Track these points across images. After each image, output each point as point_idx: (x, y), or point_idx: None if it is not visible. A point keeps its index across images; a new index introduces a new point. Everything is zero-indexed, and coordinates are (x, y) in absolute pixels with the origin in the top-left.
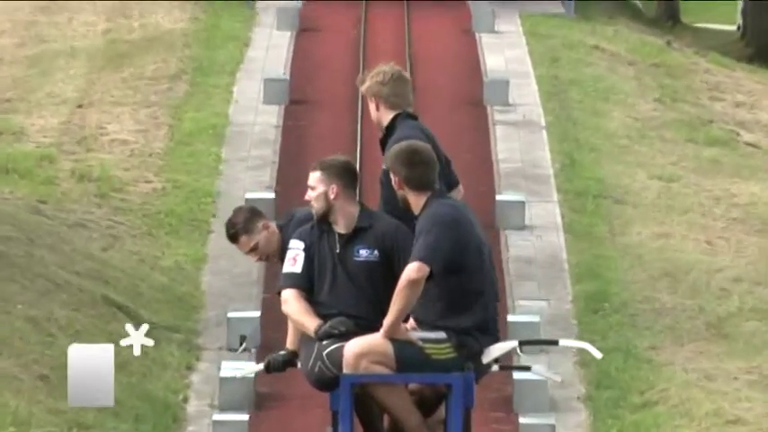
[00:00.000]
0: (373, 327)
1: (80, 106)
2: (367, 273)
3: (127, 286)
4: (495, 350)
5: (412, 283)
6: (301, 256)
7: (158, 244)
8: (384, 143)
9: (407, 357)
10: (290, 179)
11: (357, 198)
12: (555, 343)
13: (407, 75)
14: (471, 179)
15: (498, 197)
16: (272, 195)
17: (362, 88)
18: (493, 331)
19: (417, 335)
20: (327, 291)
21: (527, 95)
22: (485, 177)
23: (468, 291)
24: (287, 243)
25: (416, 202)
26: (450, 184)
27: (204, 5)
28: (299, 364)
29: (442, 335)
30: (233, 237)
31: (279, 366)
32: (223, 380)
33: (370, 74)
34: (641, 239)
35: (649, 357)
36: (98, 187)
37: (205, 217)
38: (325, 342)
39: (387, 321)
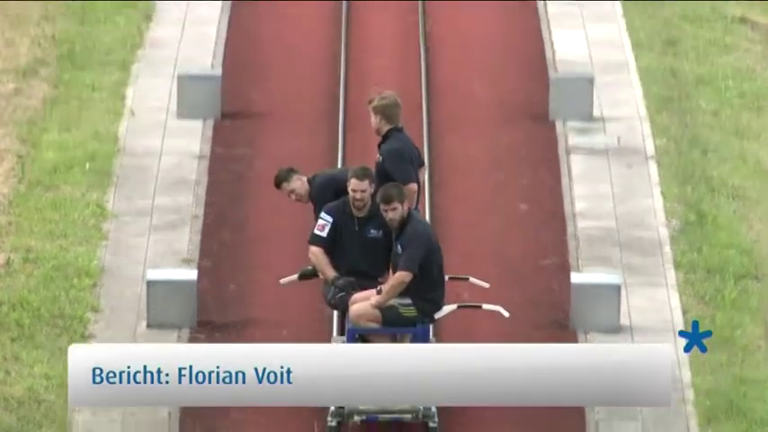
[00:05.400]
0: (372, 277)
1: None
2: (373, 245)
3: None
4: (443, 311)
5: (402, 283)
6: (329, 227)
7: None
8: (380, 146)
9: (388, 316)
10: (224, 247)
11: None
12: (479, 307)
13: (400, 101)
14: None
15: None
16: (192, 276)
17: (370, 106)
18: (439, 301)
19: (394, 300)
20: (345, 253)
21: (624, 103)
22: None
23: (427, 279)
24: (313, 191)
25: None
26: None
27: None
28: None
29: (408, 300)
30: (277, 184)
31: (310, 274)
32: None
33: (377, 96)
34: None
35: None
36: None
37: (79, 312)
38: (339, 289)
39: (379, 300)
